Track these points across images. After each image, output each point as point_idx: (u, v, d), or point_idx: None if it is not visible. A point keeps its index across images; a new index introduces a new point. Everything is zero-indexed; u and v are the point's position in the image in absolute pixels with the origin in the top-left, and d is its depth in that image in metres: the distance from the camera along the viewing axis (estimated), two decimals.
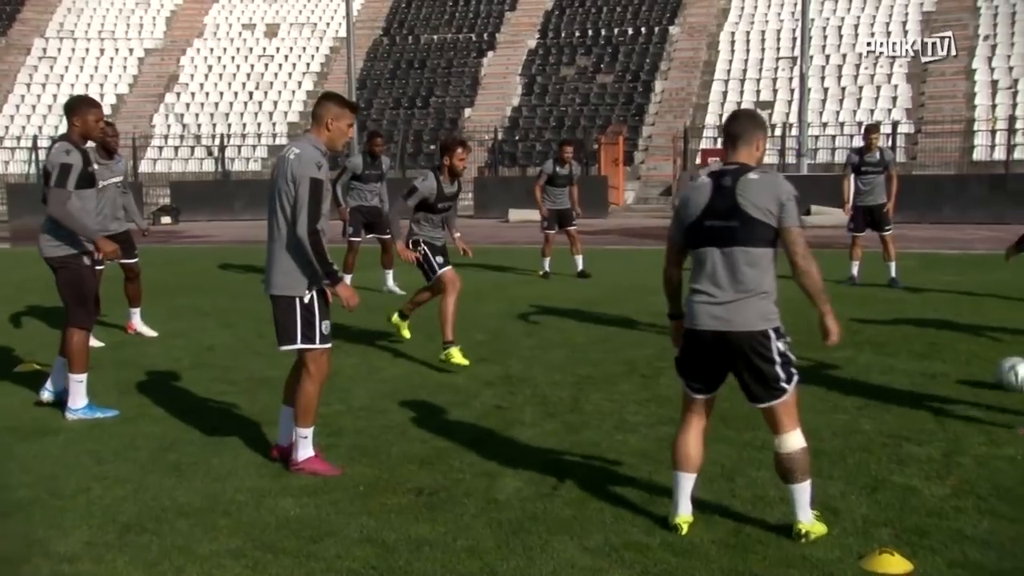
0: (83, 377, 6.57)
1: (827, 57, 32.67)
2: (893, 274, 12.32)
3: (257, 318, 9.54)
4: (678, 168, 28.39)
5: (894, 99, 30.60)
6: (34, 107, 37.11)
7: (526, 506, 4.81)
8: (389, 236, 12.45)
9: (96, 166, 9.04)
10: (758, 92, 32.20)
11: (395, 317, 8.85)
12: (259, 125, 35.60)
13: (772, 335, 4.32)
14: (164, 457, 5.65)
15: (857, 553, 4.22)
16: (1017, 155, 26.98)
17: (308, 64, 38.44)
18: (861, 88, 31.33)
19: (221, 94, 37.21)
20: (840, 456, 5.53)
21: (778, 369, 4.31)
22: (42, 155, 23.30)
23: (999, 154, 27.33)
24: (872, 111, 30.05)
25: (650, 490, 4.96)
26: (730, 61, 33.77)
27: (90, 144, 7.30)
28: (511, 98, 34.78)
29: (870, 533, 4.45)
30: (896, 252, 12.46)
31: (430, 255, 8.07)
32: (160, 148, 34.95)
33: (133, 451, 5.78)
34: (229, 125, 35.57)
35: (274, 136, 34.71)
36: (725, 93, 32.54)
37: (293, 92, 37.10)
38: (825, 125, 29.98)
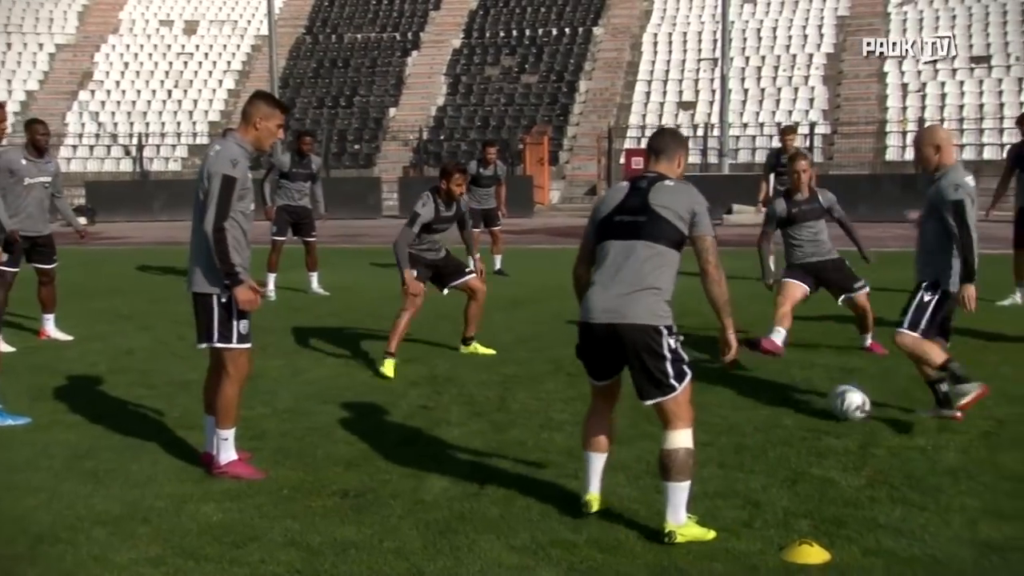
0: None
1: (747, 59, 33.31)
2: None
3: (177, 320, 9.34)
4: (603, 168, 28.66)
5: (811, 100, 31.34)
6: None
7: (453, 506, 4.81)
8: (314, 239, 12.32)
9: (24, 162, 8.76)
10: (680, 93, 32.68)
11: (388, 363, 7.82)
12: (179, 124, 34.88)
13: (664, 331, 4.35)
14: (80, 464, 5.48)
15: (778, 544, 4.31)
16: None
17: (229, 62, 37.81)
18: (780, 90, 32.02)
19: (139, 92, 36.36)
20: (762, 450, 5.64)
21: (668, 365, 4.34)
22: None
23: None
24: (790, 112, 30.72)
25: (576, 488, 4.97)
26: (653, 62, 34.21)
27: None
28: (436, 98, 34.69)
29: (790, 524, 4.55)
30: None
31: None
32: (74, 147, 34.02)
33: (46, 459, 5.59)
34: (147, 124, 34.78)
35: (195, 135, 34.07)
36: (648, 93, 32.95)
37: (214, 91, 36.46)
38: (746, 126, 30.57)
